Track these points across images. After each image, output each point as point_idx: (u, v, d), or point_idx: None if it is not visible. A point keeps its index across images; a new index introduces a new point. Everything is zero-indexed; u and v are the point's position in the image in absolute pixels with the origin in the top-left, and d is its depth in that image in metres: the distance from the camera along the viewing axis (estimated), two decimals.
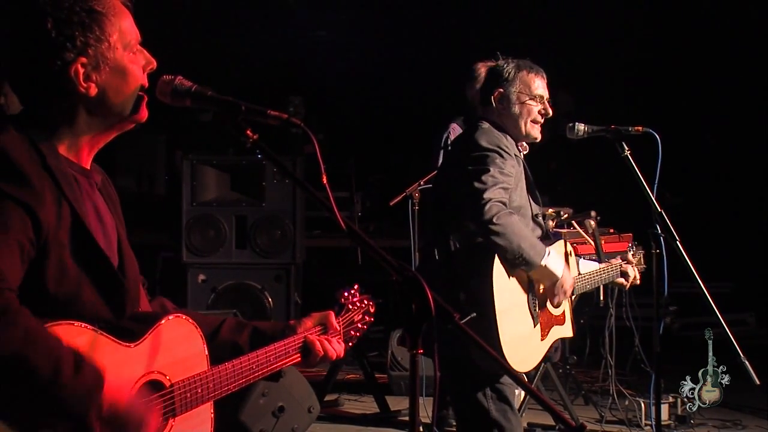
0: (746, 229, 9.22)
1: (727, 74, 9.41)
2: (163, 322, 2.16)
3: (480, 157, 3.59)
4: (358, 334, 2.65)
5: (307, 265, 7.10)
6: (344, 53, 10.23)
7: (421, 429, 2.20)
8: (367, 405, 6.46)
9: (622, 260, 4.24)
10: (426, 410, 4.73)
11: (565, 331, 3.94)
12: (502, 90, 3.81)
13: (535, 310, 3.71)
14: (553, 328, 3.84)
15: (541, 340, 3.76)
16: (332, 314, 2.56)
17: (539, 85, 3.84)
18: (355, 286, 2.68)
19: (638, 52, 9.69)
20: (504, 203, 3.50)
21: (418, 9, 9.83)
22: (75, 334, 1.97)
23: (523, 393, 5.37)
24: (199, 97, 2.22)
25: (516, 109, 3.79)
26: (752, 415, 6.26)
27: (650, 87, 9.71)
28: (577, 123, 4.14)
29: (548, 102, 3.86)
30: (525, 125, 3.80)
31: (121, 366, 2.05)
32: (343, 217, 2.15)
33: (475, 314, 3.39)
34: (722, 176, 9.50)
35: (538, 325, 3.73)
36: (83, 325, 1.99)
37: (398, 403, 6.22)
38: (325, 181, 2.16)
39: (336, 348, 2.51)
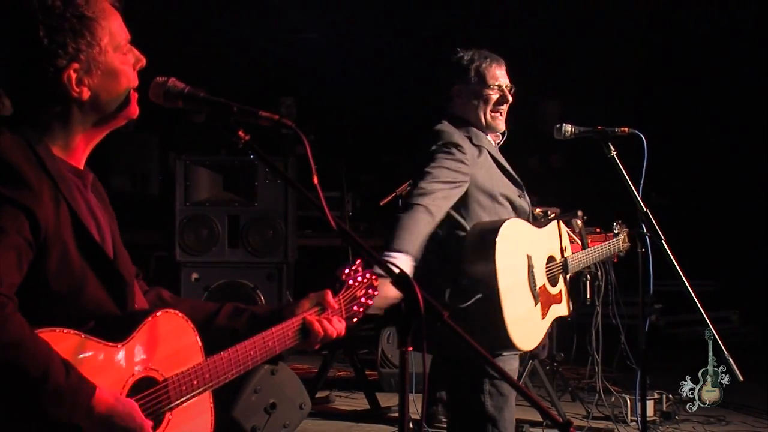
0: (731, 228, 9.27)
1: (714, 75, 9.47)
2: (149, 318, 2.17)
3: (426, 156, 3.63)
4: (361, 309, 2.61)
5: (299, 264, 7.13)
6: (335, 54, 10.26)
7: (410, 425, 2.22)
8: (357, 402, 6.49)
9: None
10: (415, 407, 4.80)
11: (562, 309, 3.94)
12: (459, 84, 3.81)
13: (534, 288, 3.70)
14: (552, 307, 3.83)
15: (542, 318, 3.76)
16: (329, 293, 2.51)
17: (496, 74, 3.81)
18: (358, 261, 2.62)
19: (625, 53, 9.73)
20: (427, 208, 3.48)
21: (409, 10, 9.86)
22: (58, 341, 1.97)
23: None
24: (192, 98, 2.24)
25: (474, 101, 3.79)
26: (736, 411, 6.32)
27: (637, 88, 9.76)
28: (564, 124, 4.14)
29: (508, 89, 3.83)
30: (486, 116, 3.79)
31: (108, 368, 2.06)
32: (334, 216, 2.17)
33: (480, 295, 3.44)
34: (707, 176, 9.57)
35: (539, 303, 3.72)
36: (66, 330, 2.00)
37: (388, 400, 6.27)
38: (316, 181, 2.18)
39: (336, 327, 2.48)
